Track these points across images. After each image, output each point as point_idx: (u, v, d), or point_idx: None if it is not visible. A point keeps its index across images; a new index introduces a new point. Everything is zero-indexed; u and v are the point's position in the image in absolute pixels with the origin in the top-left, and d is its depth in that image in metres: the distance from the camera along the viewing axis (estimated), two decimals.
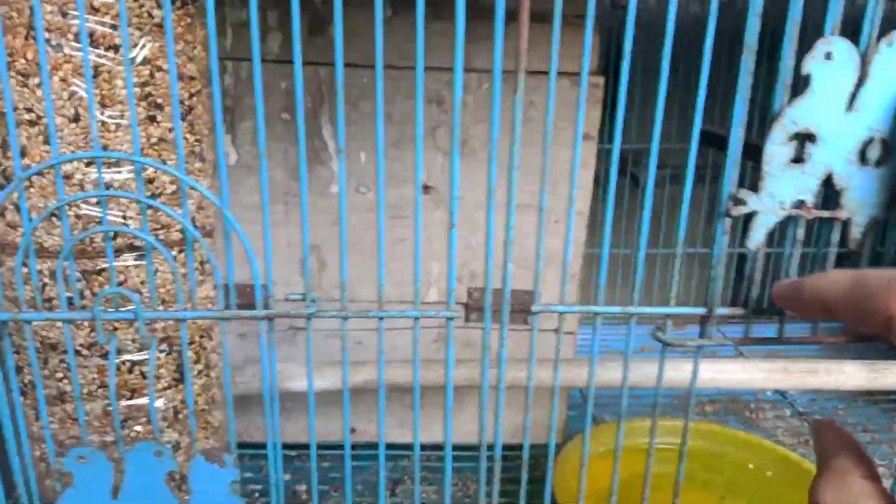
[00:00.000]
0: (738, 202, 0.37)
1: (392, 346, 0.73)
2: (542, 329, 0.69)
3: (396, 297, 0.68)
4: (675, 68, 0.36)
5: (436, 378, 0.64)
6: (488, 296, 0.39)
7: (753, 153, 0.37)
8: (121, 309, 0.37)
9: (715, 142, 0.94)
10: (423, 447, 0.74)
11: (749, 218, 0.38)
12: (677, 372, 0.64)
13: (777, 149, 0.37)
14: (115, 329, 0.41)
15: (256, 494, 0.65)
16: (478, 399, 0.72)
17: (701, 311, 0.39)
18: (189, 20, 0.41)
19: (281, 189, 0.64)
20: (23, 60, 0.37)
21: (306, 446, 0.74)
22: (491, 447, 0.45)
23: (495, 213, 0.68)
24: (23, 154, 0.38)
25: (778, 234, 0.40)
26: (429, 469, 0.72)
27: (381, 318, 0.38)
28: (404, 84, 0.60)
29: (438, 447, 0.73)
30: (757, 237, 0.39)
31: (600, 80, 0.60)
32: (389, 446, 0.70)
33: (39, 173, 0.38)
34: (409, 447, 0.76)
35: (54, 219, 0.39)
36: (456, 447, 0.47)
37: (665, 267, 1.11)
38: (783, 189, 0.37)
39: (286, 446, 0.69)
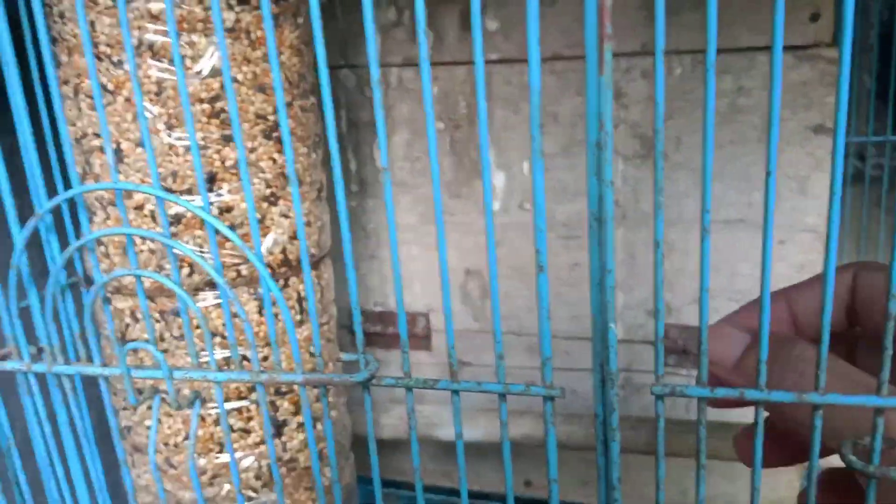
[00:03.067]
0: None
1: (569, 391, 0.63)
2: None
3: (577, 333, 0.58)
4: None
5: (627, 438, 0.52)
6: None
7: None
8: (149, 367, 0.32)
9: None
10: None
11: None
12: None
13: None
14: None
15: None
16: (683, 469, 0.59)
17: None
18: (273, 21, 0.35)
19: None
20: (89, 81, 0.34)
21: (483, 495, 0.66)
22: None
23: (690, 232, 0.55)
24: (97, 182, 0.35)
25: None
26: None
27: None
28: (573, 77, 0.50)
29: None
30: None
31: (834, 52, 0.45)
32: None
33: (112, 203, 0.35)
34: None
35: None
36: None
37: None
38: None
39: (449, 492, 0.62)
